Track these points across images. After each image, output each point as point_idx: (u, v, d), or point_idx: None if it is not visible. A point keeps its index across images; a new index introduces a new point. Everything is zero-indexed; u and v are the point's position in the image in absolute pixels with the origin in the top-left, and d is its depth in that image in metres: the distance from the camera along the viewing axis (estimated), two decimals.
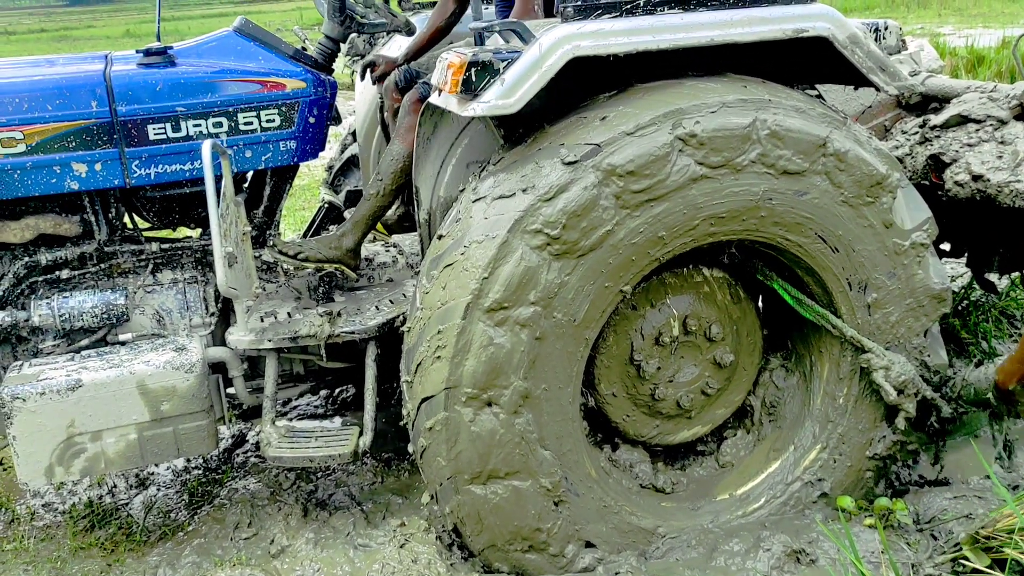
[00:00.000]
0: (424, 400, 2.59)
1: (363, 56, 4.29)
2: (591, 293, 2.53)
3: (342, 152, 4.46)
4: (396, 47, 4.03)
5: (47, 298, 2.93)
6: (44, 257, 2.96)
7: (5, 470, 3.62)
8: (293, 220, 6.50)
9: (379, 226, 3.86)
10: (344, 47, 4.51)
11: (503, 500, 2.61)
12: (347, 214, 4.06)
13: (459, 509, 2.63)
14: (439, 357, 2.53)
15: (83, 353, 2.88)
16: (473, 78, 2.50)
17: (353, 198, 4.21)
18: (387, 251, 3.63)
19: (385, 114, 3.71)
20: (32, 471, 2.70)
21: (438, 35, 3.51)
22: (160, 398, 2.77)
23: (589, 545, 2.75)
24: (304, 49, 3.24)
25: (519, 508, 2.62)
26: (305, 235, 3.98)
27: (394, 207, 3.94)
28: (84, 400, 2.69)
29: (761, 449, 3.10)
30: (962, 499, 3.02)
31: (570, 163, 2.45)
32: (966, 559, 2.66)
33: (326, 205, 3.95)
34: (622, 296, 2.60)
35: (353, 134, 4.27)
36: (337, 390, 4.03)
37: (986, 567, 2.60)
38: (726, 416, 3.11)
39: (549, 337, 2.52)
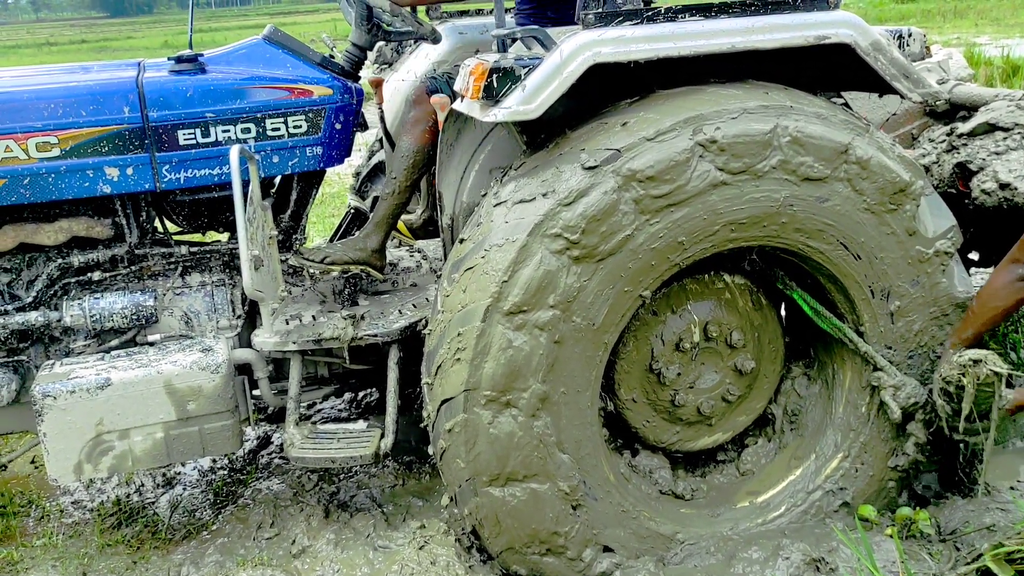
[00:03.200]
0: (444, 402, 2.61)
1: (391, 64, 4.35)
2: (610, 297, 2.54)
3: (369, 159, 4.52)
4: (423, 56, 4.08)
5: (79, 299, 3.00)
6: (76, 259, 3.03)
7: (37, 468, 3.70)
8: (323, 226, 6.58)
9: (405, 230, 3.91)
10: (372, 55, 4.57)
11: (521, 503, 2.62)
12: None
13: (478, 511, 2.65)
14: (459, 359, 2.55)
15: (113, 353, 2.95)
16: (495, 84, 2.53)
17: None
18: (411, 256, 3.66)
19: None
20: (62, 468, 2.76)
21: None
22: (187, 398, 2.82)
23: (607, 550, 2.75)
24: (332, 57, 3.29)
25: (537, 511, 2.63)
26: (331, 240, 4.03)
27: (420, 211, 3.99)
28: (113, 399, 2.75)
29: (782, 457, 3.08)
30: (986, 511, 2.99)
31: (590, 168, 2.46)
32: (989, 570, 2.64)
33: (353, 211, 4.00)
34: (642, 301, 2.61)
35: (380, 140, 4.32)
36: (361, 394, 4.07)
37: None
38: (747, 423, 3.10)
39: (568, 341, 2.53)
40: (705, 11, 2.61)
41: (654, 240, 2.52)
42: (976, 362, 2.31)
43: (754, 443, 3.15)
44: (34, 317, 2.95)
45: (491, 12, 4.35)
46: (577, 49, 2.47)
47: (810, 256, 2.70)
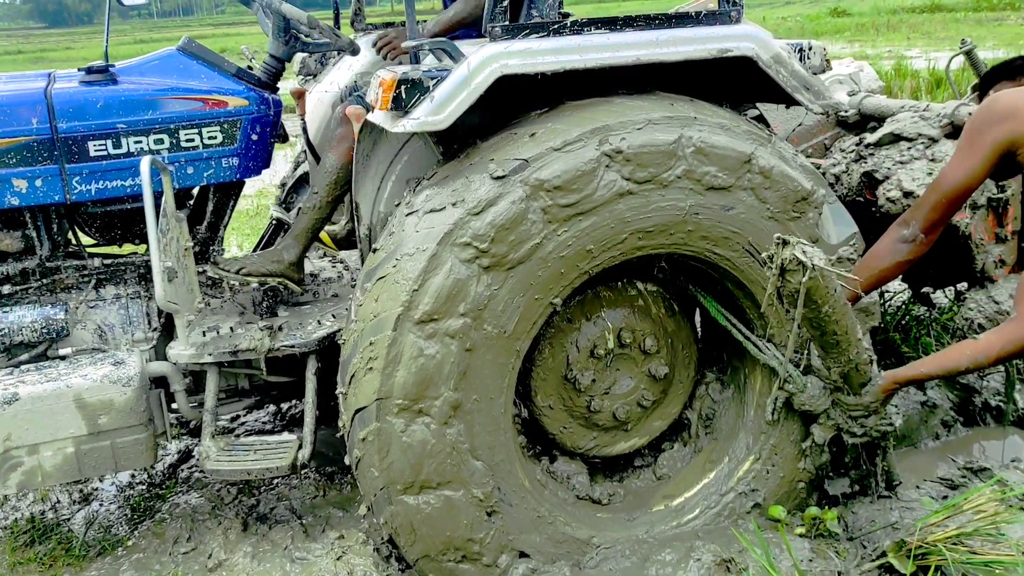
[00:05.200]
0: (357, 411, 2.62)
1: (315, 76, 4.35)
2: (521, 305, 2.57)
3: (295, 169, 4.50)
4: (346, 67, 4.08)
5: None
6: None
7: None
8: (243, 237, 6.50)
9: (329, 241, 3.90)
10: (296, 66, 4.56)
11: (435, 510, 2.63)
12: None
13: (393, 519, 2.66)
14: (371, 368, 2.56)
15: (21, 368, 2.89)
16: (403, 95, 2.55)
17: None
18: (333, 267, 3.66)
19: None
20: None
21: (458, 26, 3.49)
22: (97, 411, 2.78)
23: (523, 555, 2.77)
24: (250, 68, 3.28)
25: (451, 518, 2.65)
26: (254, 251, 4.01)
27: (343, 222, 3.99)
28: (21, 413, 2.71)
29: (697, 461, 3.15)
30: (890, 510, 3.09)
31: (499, 177, 2.50)
32: (892, 567, 2.72)
33: (275, 222, 3.98)
34: (552, 308, 2.65)
35: (306, 151, 4.31)
36: (285, 406, 4.04)
37: (910, 574, 2.67)
38: (663, 428, 3.16)
39: (479, 348, 2.56)
40: (611, 24, 2.67)
41: (563, 248, 2.56)
42: (786, 243, 2.38)
43: (670, 448, 3.21)
44: None
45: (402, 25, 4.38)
46: (484, 61, 2.51)
47: (717, 263, 2.76)
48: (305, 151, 4.21)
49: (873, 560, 2.77)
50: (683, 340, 3.08)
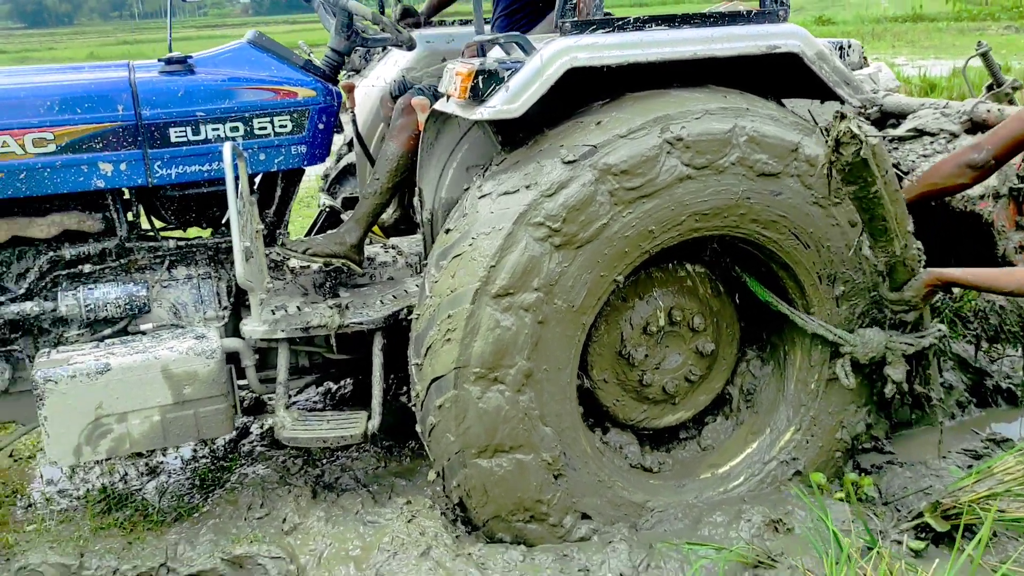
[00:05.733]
0: (434, 380, 2.80)
1: (359, 71, 4.52)
2: (588, 281, 2.76)
3: (337, 161, 4.67)
4: (392, 63, 4.27)
5: (73, 290, 3.10)
6: (67, 252, 3.12)
7: (16, 461, 3.75)
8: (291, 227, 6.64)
9: (377, 229, 4.07)
10: None
11: (508, 472, 2.82)
12: (344, 216, 4.26)
13: (466, 482, 2.84)
14: (449, 339, 2.74)
15: (108, 341, 3.05)
16: (480, 85, 2.74)
17: (349, 204, 4.42)
18: (386, 252, 3.83)
19: (383, 121, 3.96)
20: (62, 450, 2.86)
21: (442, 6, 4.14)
22: (183, 382, 2.94)
23: (585, 516, 2.97)
24: (310, 62, 3.45)
25: (522, 480, 2.83)
26: (306, 236, 4.17)
27: (391, 211, 4.16)
28: (112, 383, 2.86)
29: (740, 433, 3.35)
30: (922, 478, 3.30)
31: (570, 162, 2.69)
32: (927, 526, 2.93)
33: (327, 209, 4.14)
34: (615, 285, 2.84)
35: (349, 144, 4.49)
36: (335, 387, 4.21)
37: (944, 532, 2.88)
38: (707, 402, 3.36)
39: (550, 321, 2.75)
40: (669, 22, 2.87)
41: (627, 229, 2.75)
42: (843, 117, 2.50)
43: (713, 421, 3.41)
44: (29, 307, 3.04)
45: (453, 23, 4.57)
46: (556, 54, 2.70)
47: (765, 245, 2.97)
48: (350, 142, 4.39)
49: (910, 520, 2.98)
50: (727, 319, 3.28)
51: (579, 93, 2.94)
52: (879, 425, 3.33)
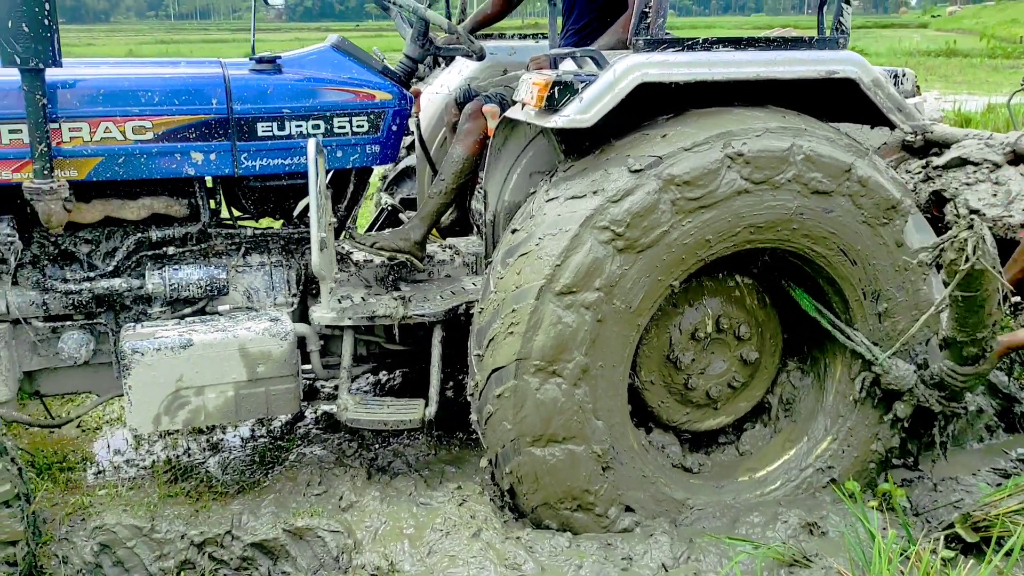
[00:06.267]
0: (495, 370, 2.96)
1: (423, 78, 4.72)
2: (646, 285, 2.93)
3: (396, 163, 4.87)
4: (456, 72, 4.47)
5: (158, 269, 3.29)
6: (154, 234, 3.32)
7: (84, 431, 3.95)
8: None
9: (434, 230, 4.25)
10: None
11: (559, 462, 2.98)
12: (403, 216, 4.45)
13: (519, 469, 3.00)
14: (512, 332, 2.91)
15: (188, 319, 3.24)
16: (555, 95, 2.92)
17: (406, 204, 4.61)
18: (444, 251, 4.01)
19: (445, 127, 4.17)
20: (142, 419, 3.04)
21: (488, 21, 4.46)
22: (257, 361, 3.13)
23: (628, 509, 3.12)
24: (387, 66, 3.65)
25: (573, 470, 2.99)
26: (366, 233, 4.36)
27: (449, 212, 4.34)
28: (193, 358, 3.05)
29: (777, 440, 3.49)
30: (952, 492, 3.43)
31: (636, 171, 2.86)
32: (957, 537, 3.06)
33: (388, 208, 4.33)
34: (671, 290, 3.00)
35: (409, 147, 4.68)
36: (387, 378, 4.39)
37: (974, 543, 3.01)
38: (747, 409, 3.51)
39: (608, 320, 2.91)
40: (735, 44, 3.04)
41: (686, 236, 2.92)
42: (971, 225, 2.52)
43: (752, 427, 3.55)
44: (116, 284, 3.23)
45: (512, 36, 4.76)
46: (628, 69, 2.88)
47: (814, 259, 3.12)
48: (411, 145, 4.58)
49: (941, 531, 3.11)
50: (771, 330, 3.43)
51: (641, 107, 3.11)
52: (912, 441, 3.47)
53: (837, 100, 3.26)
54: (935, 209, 3.83)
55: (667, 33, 3.20)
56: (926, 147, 4.25)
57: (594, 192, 2.89)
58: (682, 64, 2.93)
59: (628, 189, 2.85)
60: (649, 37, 2.95)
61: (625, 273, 2.89)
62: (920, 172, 4.01)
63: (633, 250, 2.88)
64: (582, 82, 2.90)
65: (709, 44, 3.01)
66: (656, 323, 3.24)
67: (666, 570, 2.88)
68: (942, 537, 3.07)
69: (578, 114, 2.87)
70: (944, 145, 4.09)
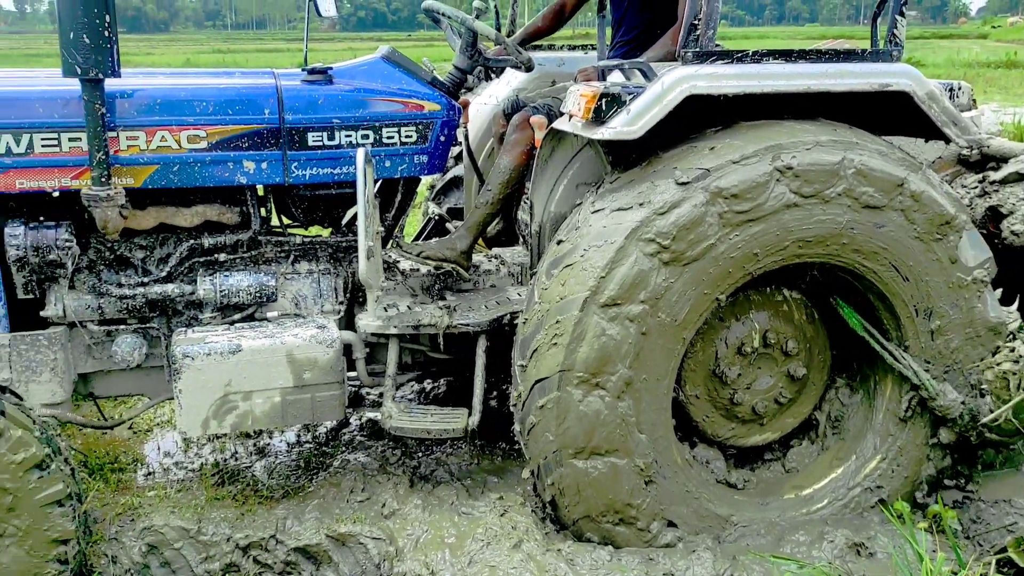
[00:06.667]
0: (538, 381, 2.96)
1: (471, 89, 4.75)
2: (692, 298, 2.91)
3: (443, 174, 4.90)
4: (504, 83, 4.49)
5: (210, 276, 3.36)
6: (206, 241, 3.39)
7: (135, 433, 4.03)
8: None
9: (480, 240, 4.27)
10: None
11: (601, 475, 2.96)
12: (450, 226, 4.48)
13: (560, 481, 2.99)
14: (555, 344, 2.91)
15: (237, 325, 3.30)
16: (603, 107, 2.92)
17: (453, 214, 4.64)
18: (490, 261, 4.03)
19: (493, 137, 4.19)
20: (192, 422, 3.10)
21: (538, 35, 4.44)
22: (304, 367, 3.17)
23: (671, 524, 3.09)
24: (436, 77, 3.68)
25: (615, 483, 2.98)
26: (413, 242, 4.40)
27: (494, 223, 4.36)
28: (242, 363, 3.10)
29: (824, 457, 3.43)
30: (1005, 515, 3.33)
31: (683, 183, 2.85)
32: (1009, 561, 2.98)
33: (435, 217, 4.36)
34: (717, 303, 2.97)
35: (456, 157, 4.71)
36: (430, 387, 4.41)
37: None
38: (794, 425, 3.45)
39: (653, 333, 2.90)
40: (786, 56, 3.01)
41: (733, 250, 2.89)
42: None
43: (799, 444, 3.50)
44: (170, 289, 3.30)
45: (561, 47, 4.78)
46: (676, 81, 2.87)
47: (864, 275, 3.07)
48: (458, 155, 4.61)
49: (993, 555, 3.03)
50: (819, 346, 3.38)
51: (688, 120, 3.09)
52: (964, 463, 3.39)
53: (891, 113, 3.21)
54: (991, 225, 3.73)
55: (717, 45, 3.18)
56: (983, 161, 4.13)
57: (640, 204, 2.88)
58: (731, 76, 2.91)
59: (675, 201, 2.83)
60: (698, 49, 2.93)
61: (671, 286, 2.87)
62: (976, 187, 3.90)
63: (679, 263, 2.86)
64: (630, 94, 2.90)
65: (759, 56, 2.98)
66: (702, 336, 3.21)
67: None
68: (994, 561, 2.99)
69: (625, 126, 2.86)
70: (1001, 159, 3.97)
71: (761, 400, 3.32)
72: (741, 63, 2.95)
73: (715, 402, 3.31)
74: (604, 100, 2.91)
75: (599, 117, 2.93)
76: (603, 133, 2.89)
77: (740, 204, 2.85)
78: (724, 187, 2.83)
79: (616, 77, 3.20)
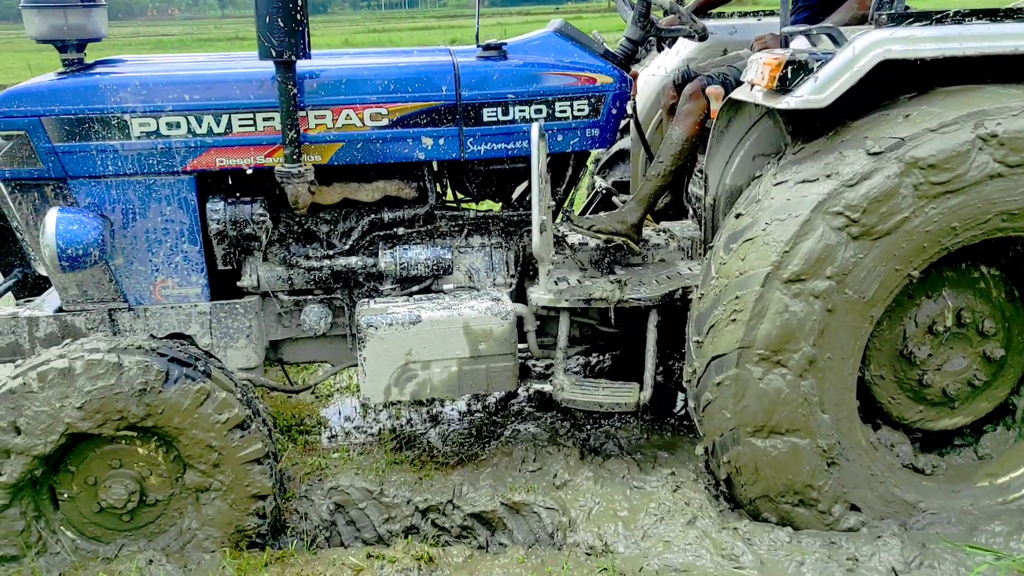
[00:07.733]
0: (715, 358, 2.91)
1: (639, 60, 4.68)
2: (882, 274, 2.77)
3: (609, 145, 4.87)
4: (674, 53, 4.41)
5: (390, 249, 3.48)
6: (386, 216, 3.51)
7: (317, 398, 4.26)
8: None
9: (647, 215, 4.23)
10: None
11: (781, 454, 2.89)
12: (616, 199, 4.46)
13: (737, 459, 2.94)
14: (735, 320, 2.85)
15: (416, 296, 3.41)
16: (789, 75, 2.81)
17: (619, 187, 4.61)
18: (659, 235, 3.98)
19: (662, 109, 4.12)
20: (375, 389, 3.24)
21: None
22: (479, 339, 3.24)
23: (854, 508, 2.98)
24: (608, 50, 3.65)
25: (795, 463, 2.90)
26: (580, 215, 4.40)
27: (663, 196, 4.30)
28: (422, 333, 3.21)
29: (1022, 445, 3.21)
30: None
31: (875, 154, 2.71)
32: None
33: (603, 191, 4.35)
34: (909, 280, 2.83)
35: (623, 129, 4.67)
36: (596, 361, 4.43)
37: None
38: (988, 410, 3.25)
39: (839, 311, 2.79)
40: (991, 15, 2.81)
41: (929, 224, 2.73)
42: None
43: (993, 430, 3.29)
44: (353, 262, 3.45)
45: (732, 15, 4.63)
46: (869, 46, 2.72)
47: None
48: (628, 127, 4.57)
49: None
50: (1020, 326, 3.16)
51: (876, 87, 2.93)
52: None
53: None
54: None
55: (909, 7, 3.00)
56: None
57: (827, 176, 2.77)
58: (929, 39, 2.74)
59: (866, 173, 2.71)
60: (893, 11, 2.78)
61: (859, 261, 2.75)
62: None
63: (869, 237, 2.73)
64: (818, 60, 2.78)
65: (961, 17, 2.79)
66: (889, 314, 3.06)
67: (896, 574, 2.73)
68: None
69: (812, 94, 2.75)
70: None
71: (953, 382, 3.14)
72: (941, 24, 2.77)
73: (902, 383, 3.16)
74: (790, 68, 2.81)
75: (784, 86, 2.82)
76: (788, 102, 2.79)
77: (938, 175, 2.69)
78: (920, 157, 2.68)
79: (800, 43, 3.08)
